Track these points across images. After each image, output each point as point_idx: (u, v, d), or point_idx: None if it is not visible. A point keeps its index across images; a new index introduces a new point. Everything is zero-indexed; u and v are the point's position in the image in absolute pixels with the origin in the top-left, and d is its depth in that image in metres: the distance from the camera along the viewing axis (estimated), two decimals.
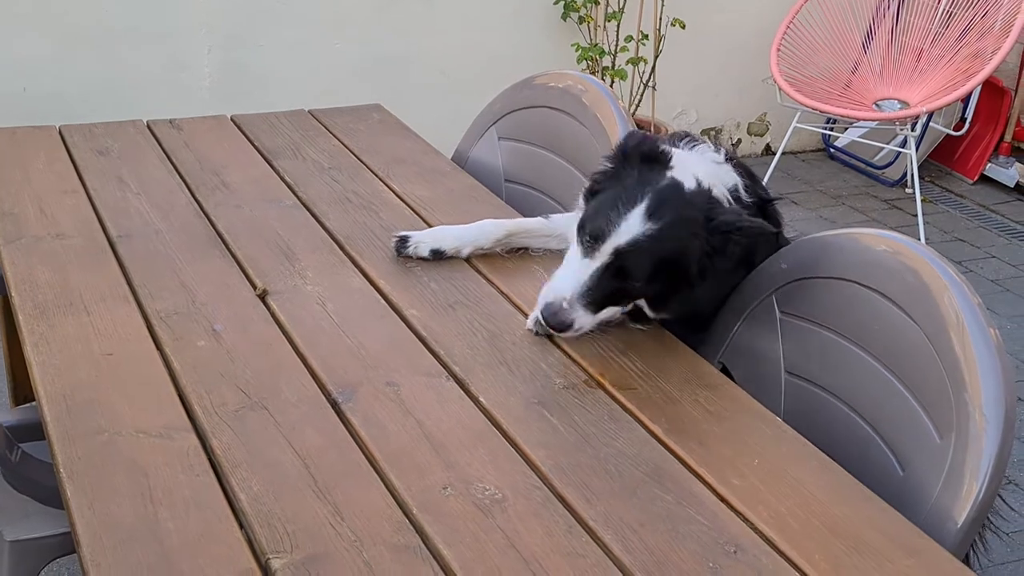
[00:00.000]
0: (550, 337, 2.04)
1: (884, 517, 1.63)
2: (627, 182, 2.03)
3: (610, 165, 2.10)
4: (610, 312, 2.03)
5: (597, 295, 1.98)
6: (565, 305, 1.96)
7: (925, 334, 1.80)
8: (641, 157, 2.06)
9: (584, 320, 1.98)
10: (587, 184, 2.14)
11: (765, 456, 1.75)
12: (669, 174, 2.04)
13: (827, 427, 1.94)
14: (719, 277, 2.06)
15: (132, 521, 1.53)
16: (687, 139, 2.22)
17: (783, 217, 2.31)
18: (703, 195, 2.04)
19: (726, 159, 2.20)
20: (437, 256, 2.30)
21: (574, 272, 1.99)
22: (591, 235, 1.99)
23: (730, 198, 2.11)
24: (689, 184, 2.04)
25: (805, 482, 1.69)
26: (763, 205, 2.22)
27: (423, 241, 2.31)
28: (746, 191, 2.18)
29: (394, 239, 2.32)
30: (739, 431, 1.82)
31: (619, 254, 1.96)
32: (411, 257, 2.30)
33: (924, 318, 1.82)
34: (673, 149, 2.12)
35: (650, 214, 1.97)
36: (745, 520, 1.60)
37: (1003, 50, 4.88)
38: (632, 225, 1.97)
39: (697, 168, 2.08)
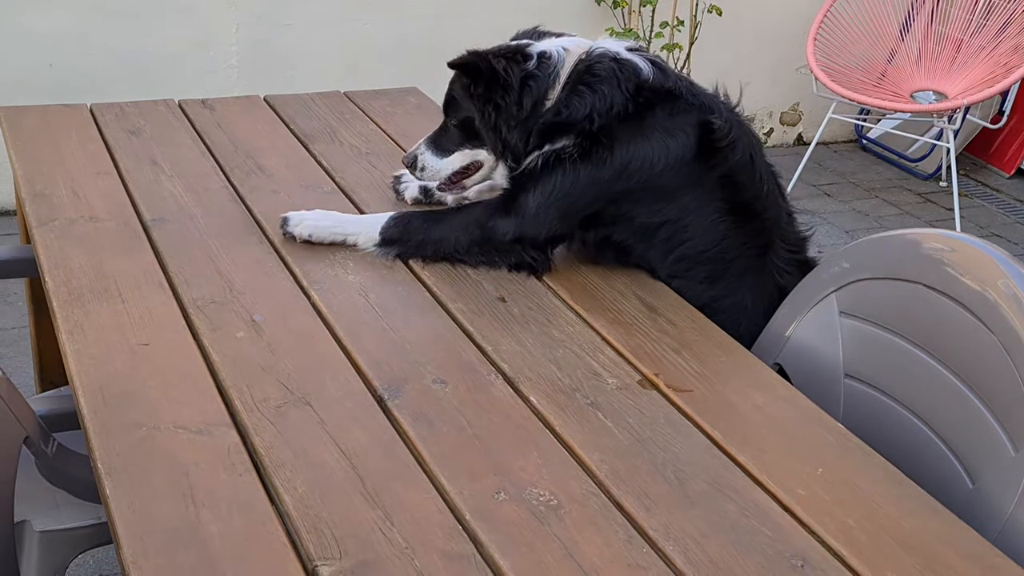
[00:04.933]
0: (601, 336, 1.98)
1: (956, 533, 1.56)
2: None
3: None
4: (462, 157, 2.27)
5: (439, 139, 2.29)
6: (413, 149, 2.32)
7: (999, 341, 1.73)
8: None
9: (429, 159, 2.29)
10: None
11: (829, 465, 1.68)
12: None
13: (888, 434, 1.87)
14: (510, 117, 2.18)
15: (174, 522, 1.46)
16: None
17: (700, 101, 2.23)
18: (503, 47, 2.23)
19: (634, 47, 2.26)
20: (426, 195, 2.46)
21: None
22: None
23: (561, 53, 2.19)
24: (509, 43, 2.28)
25: (872, 493, 1.62)
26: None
27: (414, 180, 2.43)
28: (614, 54, 2.20)
29: (391, 179, 2.53)
30: (801, 438, 1.75)
31: (445, 97, 2.29)
32: (405, 200, 2.46)
33: (997, 324, 1.74)
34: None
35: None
36: (812, 533, 1.53)
37: None
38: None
39: (551, 40, 2.25)
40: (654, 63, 2.22)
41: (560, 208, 2.17)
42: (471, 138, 2.25)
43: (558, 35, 2.29)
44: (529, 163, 2.20)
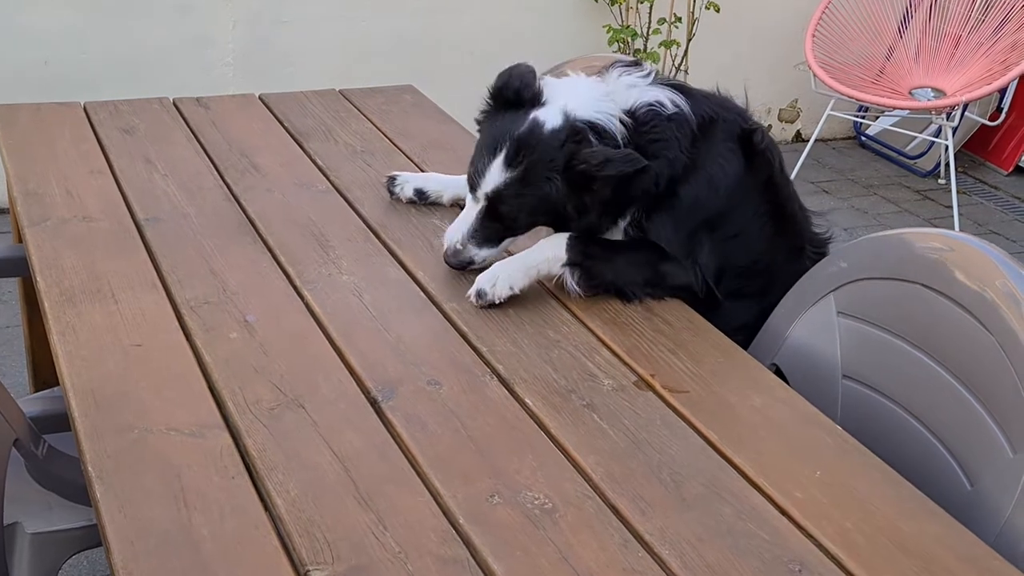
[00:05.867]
0: (597, 336, 1.96)
1: (955, 536, 1.54)
2: (494, 126, 2.11)
3: (485, 111, 2.17)
4: (510, 242, 2.15)
5: (485, 234, 2.11)
6: (459, 247, 2.12)
7: (997, 341, 1.71)
8: (507, 101, 2.12)
9: (483, 253, 2.12)
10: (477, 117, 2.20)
11: (827, 467, 1.66)
12: (533, 114, 2.07)
13: (887, 435, 1.86)
14: (602, 203, 2.07)
15: (165, 526, 1.45)
16: (615, 65, 2.22)
17: (732, 116, 2.21)
18: (562, 133, 2.04)
19: (653, 79, 2.17)
20: (421, 197, 2.41)
21: (465, 216, 2.12)
22: (468, 182, 2.12)
23: (615, 123, 2.07)
24: (553, 122, 2.05)
25: (870, 496, 1.61)
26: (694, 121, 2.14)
27: (409, 181, 2.42)
28: (660, 107, 2.11)
29: (385, 179, 2.44)
30: (798, 440, 1.73)
31: (489, 200, 2.08)
32: (400, 199, 2.41)
33: (994, 324, 1.73)
34: (555, 80, 2.16)
35: (508, 162, 2.05)
36: (809, 536, 1.52)
37: None
38: (494, 175, 2.06)
39: (576, 99, 2.08)
40: (682, 91, 2.16)
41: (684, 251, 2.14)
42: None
43: (557, 74, 2.18)
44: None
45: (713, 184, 2.13)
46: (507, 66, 2.18)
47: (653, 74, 2.18)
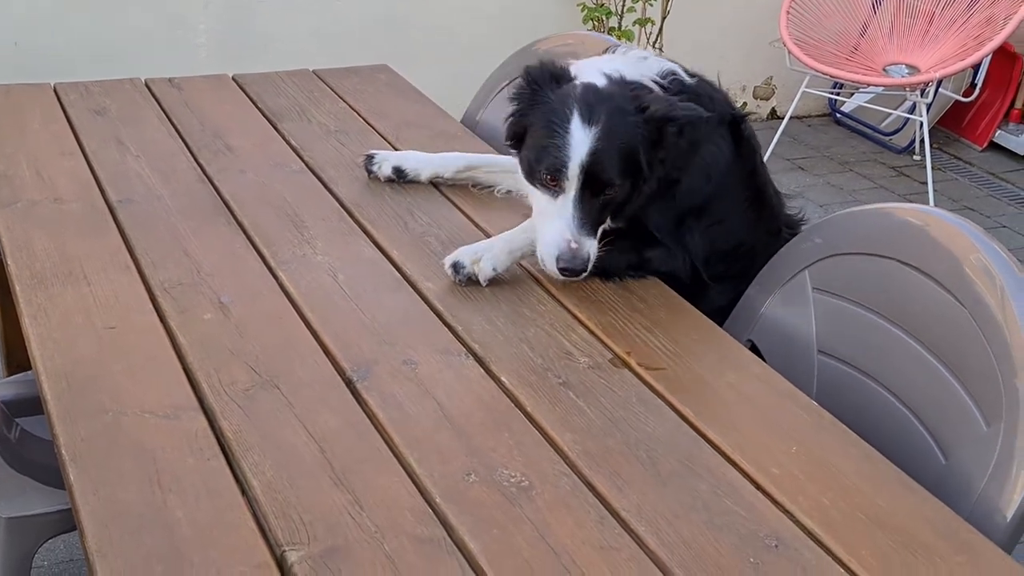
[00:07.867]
0: (573, 314, 1.96)
1: (930, 510, 1.55)
2: (542, 108, 1.99)
3: (522, 100, 2.04)
4: (599, 232, 2.00)
5: (591, 218, 1.95)
6: (574, 245, 1.93)
7: (971, 315, 1.72)
8: (551, 78, 2.02)
9: (593, 247, 1.96)
10: (507, 128, 2.08)
11: (803, 443, 1.67)
12: (579, 82, 2.01)
13: (862, 410, 1.86)
14: (664, 164, 2.01)
15: (139, 508, 1.44)
16: (611, 48, 2.25)
17: (721, 98, 2.21)
18: (616, 86, 2.01)
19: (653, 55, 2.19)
20: (399, 175, 2.39)
21: (558, 214, 1.94)
22: (549, 171, 1.94)
23: (655, 85, 2.07)
24: (601, 82, 2.01)
25: (846, 471, 1.61)
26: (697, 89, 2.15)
27: (387, 159, 2.40)
28: (674, 77, 2.12)
29: (363, 158, 2.42)
30: (774, 416, 1.74)
31: (586, 170, 1.92)
32: (378, 177, 2.40)
33: (968, 298, 1.73)
34: (575, 61, 2.12)
35: (587, 121, 1.93)
36: (785, 512, 1.52)
37: (1017, 17, 4.78)
38: (579, 140, 1.92)
39: (608, 65, 2.07)
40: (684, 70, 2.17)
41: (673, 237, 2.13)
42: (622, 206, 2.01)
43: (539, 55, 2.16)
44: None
45: (706, 169, 2.11)
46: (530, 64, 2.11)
47: (648, 50, 2.23)
